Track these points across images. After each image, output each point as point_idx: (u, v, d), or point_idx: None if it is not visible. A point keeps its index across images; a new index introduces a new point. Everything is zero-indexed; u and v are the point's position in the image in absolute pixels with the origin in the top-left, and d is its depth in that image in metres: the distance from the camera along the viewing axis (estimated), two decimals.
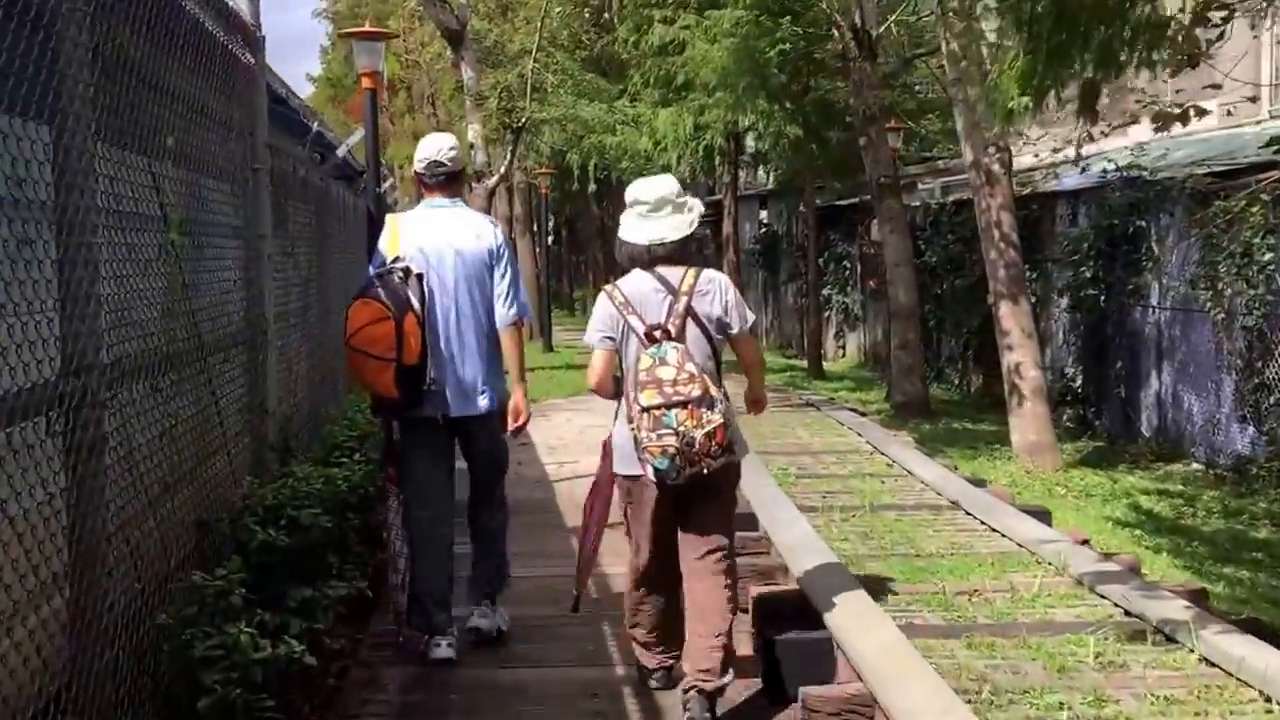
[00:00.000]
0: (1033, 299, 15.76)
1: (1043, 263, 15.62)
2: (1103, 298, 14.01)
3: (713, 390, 4.15)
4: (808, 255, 22.82)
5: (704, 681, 4.34)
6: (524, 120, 18.40)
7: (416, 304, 4.92)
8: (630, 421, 4.22)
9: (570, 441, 12.61)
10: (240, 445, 5.61)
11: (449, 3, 18.14)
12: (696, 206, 4.57)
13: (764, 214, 28.74)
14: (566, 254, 44.78)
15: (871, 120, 14.81)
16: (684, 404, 4.07)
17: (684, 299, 4.32)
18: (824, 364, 21.20)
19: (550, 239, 36.40)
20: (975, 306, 17.37)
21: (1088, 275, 14.01)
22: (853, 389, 18.30)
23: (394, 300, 4.88)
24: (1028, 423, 10.92)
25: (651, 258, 4.42)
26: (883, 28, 15.21)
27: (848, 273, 23.71)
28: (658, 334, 4.26)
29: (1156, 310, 13.34)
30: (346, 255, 11.47)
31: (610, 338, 4.45)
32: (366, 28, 9.01)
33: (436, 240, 5.14)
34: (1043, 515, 6.92)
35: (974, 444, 12.65)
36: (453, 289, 5.11)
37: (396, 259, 5.08)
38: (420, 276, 5.02)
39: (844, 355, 24.08)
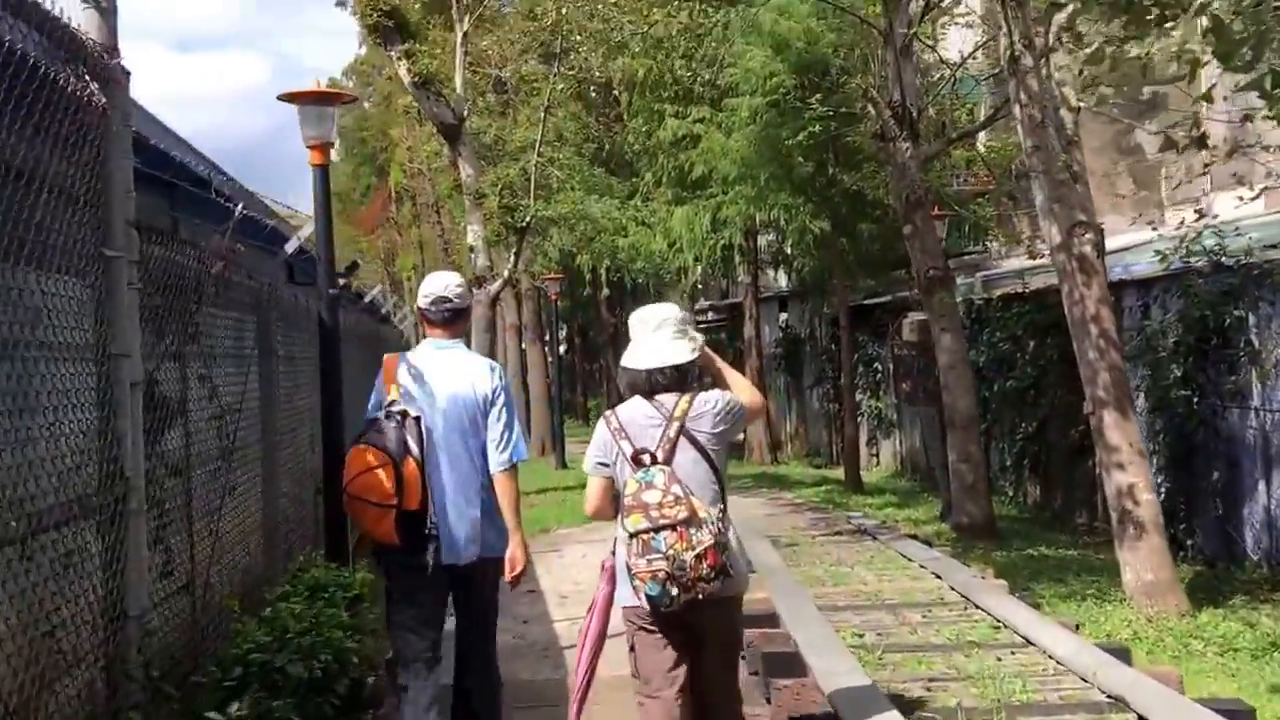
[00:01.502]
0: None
1: None
2: (1195, 400, 12.14)
3: (701, 512, 4.11)
4: (838, 357, 21.05)
5: None
6: (528, 219, 16.76)
7: (415, 448, 4.88)
8: (625, 546, 4.21)
9: (586, 585, 10.71)
10: (77, 676, 3.73)
11: (444, 95, 16.62)
12: (699, 337, 4.58)
13: (783, 316, 27.07)
14: (579, 362, 43.10)
15: (916, 206, 13.11)
16: (671, 527, 4.04)
17: (676, 424, 4.31)
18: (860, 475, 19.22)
19: (563, 348, 34.77)
20: (1028, 411, 15.54)
21: (1177, 374, 12.15)
22: (898, 505, 16.34)
23: (393, 445, 4.85)
24: (1144, 558, 8.97)
25: (651, 385, 4.41)
26: (929, 99, 13.58)
27: (879, 376, 21.91)
28: (644, 458, 4.24)
29: (1261, 413, 11.46)
30: (306, 375, 9.73)
31: (604, 464, 4.44)
32: (313, 89, 7.27)
33: (435, 382, 5.09)
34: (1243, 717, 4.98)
35: (1061, 576, 10.69)
36: (450, 433, 5.05)
37: (394, 401, 5.00)
38: (418, 419, 4.96)
39: (878, 464, 22.14)
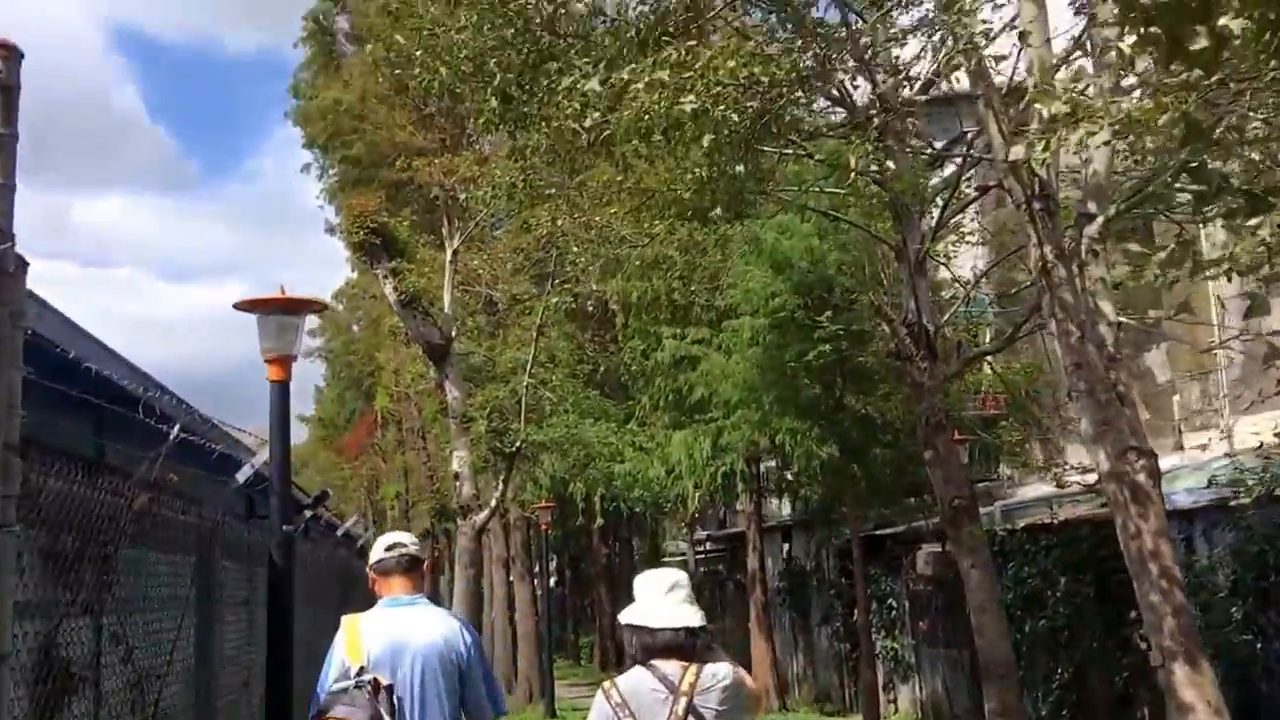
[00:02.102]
0: (1144, 653, 12.71)
1: None
2: (1258, 645, 10.94)
3: None
4: (849, 593, 19.76)
5: None
6: (518, 444, 15.75)
7: (387, 718, 4.65)
8: None
9: None
10: None
11: (431, 315, 15.89)
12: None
13: (787, 547, 25.81)
14: (570, 597, 41.41)
15: (938, 430, 12.12)
16: None
17: (684, 699, 4.08)
18: None
19: (553, 580, 33.28)
20: (1064, 654, 14.23)
21: (1236, 617, 10.98)
22: None
23: (365, 718, 4.58)
24: None
25: (662, 646, 4.20)
26: (945, 318, 12.78)
27: (893, 613, 20.52)
28: None
29: None
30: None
31: None
32: (275, 295, 6.36)
33: (402, 645, 4.87)
34: None
35: None
36: (422, 699, 4.82)
37: (362, 669, 4.74)
38: (390, 688, 4.74)
39: (896, 711, 20.51)
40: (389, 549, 5.14)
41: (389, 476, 39.00)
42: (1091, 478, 13.41)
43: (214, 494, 7.02)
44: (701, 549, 30.88)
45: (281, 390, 6.38)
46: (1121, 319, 8.90)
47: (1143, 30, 4.11)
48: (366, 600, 5.58)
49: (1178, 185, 9.48)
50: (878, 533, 19.64)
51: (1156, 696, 12.80)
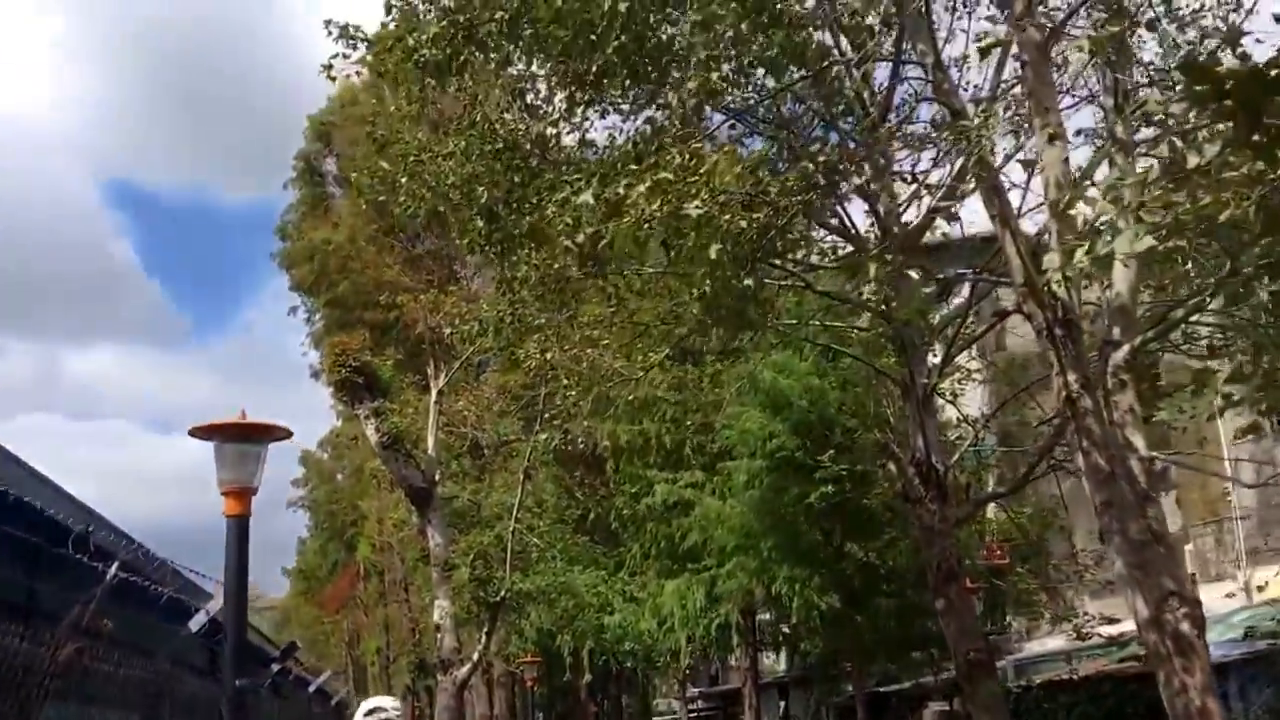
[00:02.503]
0: None
1: None
2: None
3: None
4: None
5: None
6: (503, 593, 14.91)
7: None
8: None
9: None
10: None
11: (414, 457, 15.22)
12: None
13: (783, 704, 24.69)
14: None
15: (949, 578, 11.38)
16: None
17: None
18: None
19: None
20: None
21: None
22: None
23: None
24: None
25: None
26: (955, 458, 12.14)
27: None
28: None
29: None
30: None
31: None
32: (234, 419, 5.74)
33: None
34: None
35: None
36: None
37: None
38: None
39: None
40: (369, 714, 5.23)
41: (370, 631, 37.72)
42: (1114, 629, 12.71)
43: (165, 644, 6.28)
44: (694, 707, 29.62)
45: (239, 526, 5.70)
46: (1155, 455, 8.32)
47: (1216, 105, 3.67)
48: None
49: (1210, 309, 9.04)
50: (881, 690, 18.70)
51: None
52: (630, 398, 16.85)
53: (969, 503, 12.79)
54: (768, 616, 21.23)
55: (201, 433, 5.80)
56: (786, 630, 20.48)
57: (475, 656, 15.12)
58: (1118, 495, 7.99)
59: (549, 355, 11.21)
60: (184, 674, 6.36)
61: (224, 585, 5.68)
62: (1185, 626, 7.62)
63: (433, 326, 15.79)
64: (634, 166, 6.98)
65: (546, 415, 14.80)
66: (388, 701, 5.47)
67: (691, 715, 28.94)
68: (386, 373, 15.46)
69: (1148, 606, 7.74)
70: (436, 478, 15.74)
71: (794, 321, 12.31)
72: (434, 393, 15.84)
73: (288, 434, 5.97)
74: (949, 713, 17.95)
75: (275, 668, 9.09)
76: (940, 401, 13.09)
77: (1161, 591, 7.71)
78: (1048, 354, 8.46)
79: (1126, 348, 8.26)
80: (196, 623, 6.12)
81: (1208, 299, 8.43)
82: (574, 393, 11.76)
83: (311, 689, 12.11)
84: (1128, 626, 12.84)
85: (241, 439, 5.77)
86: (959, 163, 9.79)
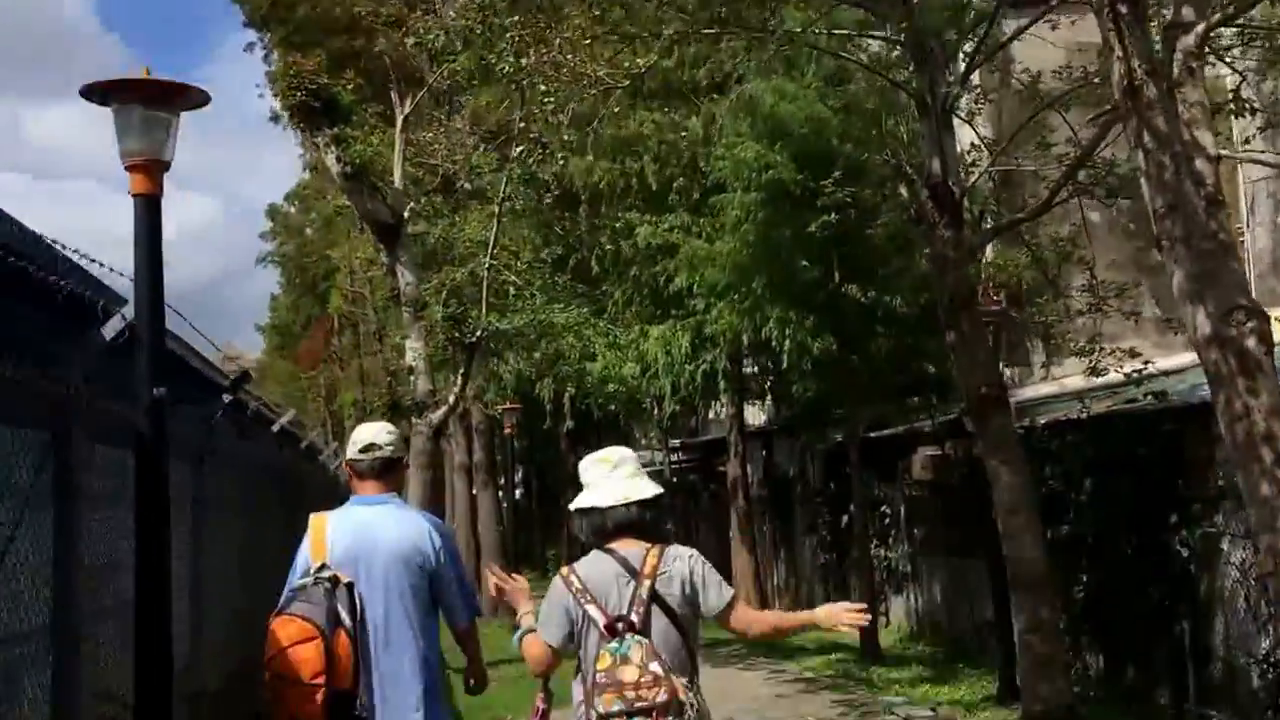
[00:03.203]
0: (1188, 562, 11.30)
1: (1199, 505, 11.10)
2: None
3: (681, 694, 3.69)
4: (835, 501, 18.30)
5: None
6: (479, 333, 14.00)
7: (347, 618, 4.40)
8: None
9: None
10: None
11: (380, 191, 14.04)
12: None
13: (765, 454, 24.36)
14: (537, 507, 39.95)
15: (963, 308, 10.52)
16: (648, 712, 3.63)
17: (646, 582, 3.89)
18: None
19: (518, 491, 31.80)
20: (1091, 564, 12.80)
21: None
22: (934, 680, 13.38)
23: (322, 616, 4.33)
24: None
25: (615, 526, 4.03)
26: (974, 179, 11.08)
27: (887, 521, 19.12)
28: (620, 626, 3.82)
29: None
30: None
31: (569, 634, 3.97)
32: (138, 76, 4.59)
33: (368, 544, 4.65)
34: None
35: None
36: (386, 600, 4.61)
37: (323, 566, 4.54)
38: (350, 586, 4.49)
39: (887, 624, 19.13)
40: (364, 450, 4.84)
41: (346, 384, 37.23)
42: (1130, 367, 11.93)
43: (72, 353, 5.28)
44: (675, 459, 29.42)
45: (149, 207, 4.64)
46: (1224, 152, 7.31)
47: None
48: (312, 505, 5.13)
49: None
50: (871, 435, 18.16)
51: (1198, 612, 11.43)
52: (614, 132, 15.64)
53: (986, 230, 11.82)
54: (754, 370, 20.65)
55: (99, 92, 4.66)
56: (775, 378, 19.88)
57: (451, 399, 14.34)
58: (1182, 198, 6.98)
59: (525, 61, 9.96)
60: (105, 395, 5.39)
61: (135, 278, 4.65)
62: (1252, 342, 6.74)
63: (397, 45, 14.36)
64: None
65: (522, 141, 13.62)
66: (383, 435, 4.92)
67: (673, 466, 28.76)
68: (346, 98, 14.09)
69: (1209, 322, 6.85)
70: (406, 215, 14.60)
71: (798, 30, 11.00)
72: (399, 120, 14.54)
73: (205, 99, 4.84)
74: (941, 457, 17.46)
75: (227, 398, 8.15)
76: (959, 120, 11.96)
77: (1227, 304, 6.81)
78: (1104, 39, 7.31)
79: (1200, 29, 7.12)
80: (112, 329, 5.12)
81: None
82: (551, 102, 10.55)
83: (275, 428, 11.25)
84: (1150, 361, 12.13)
85: (147, 102, 4.63)
86: None
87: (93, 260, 4.82)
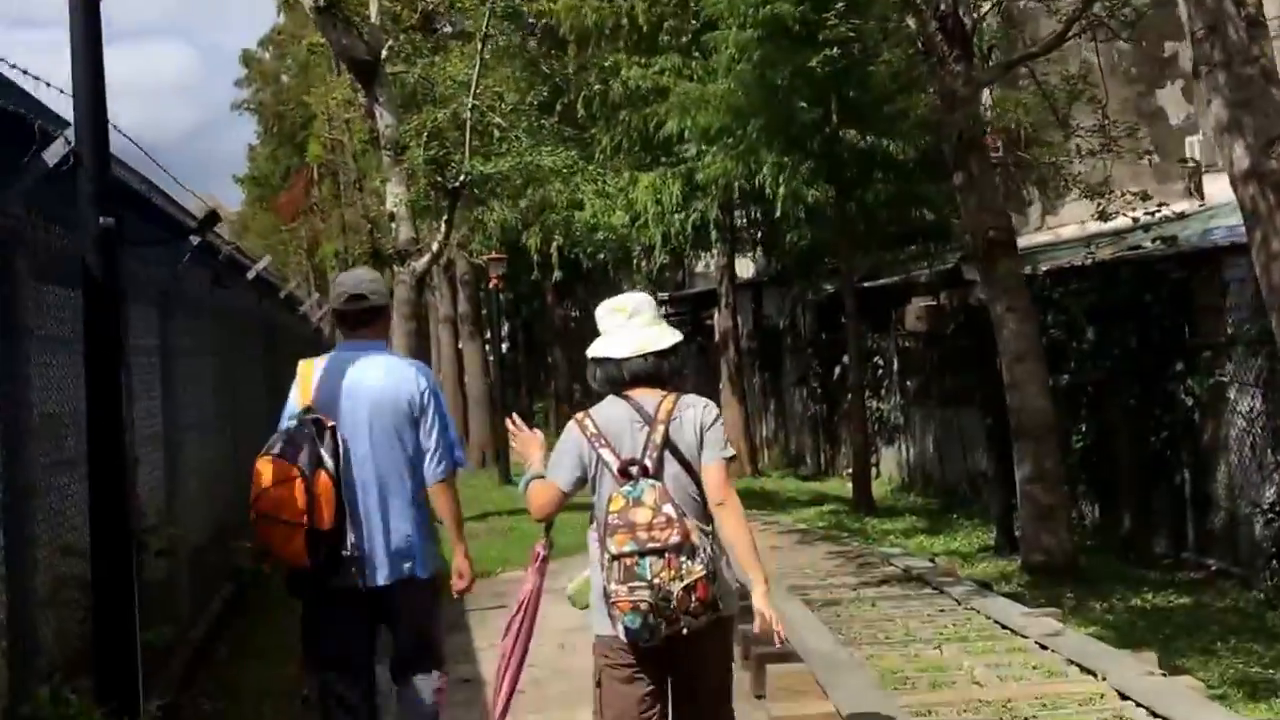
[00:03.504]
0: (1192, 411, 11.03)
1: (1209, 350, 10.79)
2: None
3: (694, 537, 3.66)
4: (834, 350, 18.00)
5: None
6: (462, 177, 13.42)
7: (329, 460, 4.41)
8: (602, 570, 3.73)
9: (548, 666, 7.58)
10: None
11: (355, 26, 13.31)
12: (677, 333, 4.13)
13: (754, 306, 23.97)
14: (523, 360, 39.70)
15: (971, 147, 10.04)
16: (660, 552, 3.60)
17: (660, 428, 3.86)
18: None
19: (504, 345, 31.45)
20: (1089, 413, 12.54)
21: None
22: (928, 531, 13.24)
23: (304, 457, 4.37)
24: None
25: (631, 376, 3.98)
26: (986, 10, 10.46)
27: (880, 372, 18.85)
28: (633, 470, 3.80)
29: None
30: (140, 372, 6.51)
31: (580, 477, 3.93)
32: None
33: (353, 388, 4.65)
34: None
35: (1205, 642, 7.65)
36: (371, 443, 4.62)
37: (308, 409, 4.57)
38: (334, 429, 4.51)
39: (878, 475, 19.02)
40: (348, 301, 4.78)
41: (327, 235, 36.53)
42: (1141, 212, 11.50)
43: (10, 179, 4.79)
44: (662, 312, 29.02)
45: (86, 6, 4.11)
46: None
47: None
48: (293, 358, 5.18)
49: None
50: (864, 286, 17.77)
51: (1199, 461, 11.21)
52: None
53: (996, 64, 11.22)
54: (746, 221, 20.15)
55: None
56: (766, 227, 19.42)
57: (435, 247, 13.83)
58: (1221, 20, 6.47)
59: None
60: (51, 228, 4.91)
61: (74, 93, 4.15)
62: None
63: None
64: None
65: None
66: (367, 284, 4.86)
67: (664, 318, 28.34)
68: None
69: (1248, 154, 6.40)
70: (383, 54, 13.87)
71: None
72: None
73: None
74: (935, 307, 17.13)
75: (195, 240, 7.67)
76: None
77: (1267, 135, 6.35)
78: None
79: None
80: (54, 154, 4.62)
81: None
82: None
83: (251, 275, 10.79)
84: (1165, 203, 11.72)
85: None
86: None
87: (37, 79, 4.30)
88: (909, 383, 18.37)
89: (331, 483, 4.42)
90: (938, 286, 17.11)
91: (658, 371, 3.99)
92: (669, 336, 4.04)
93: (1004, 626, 6.97)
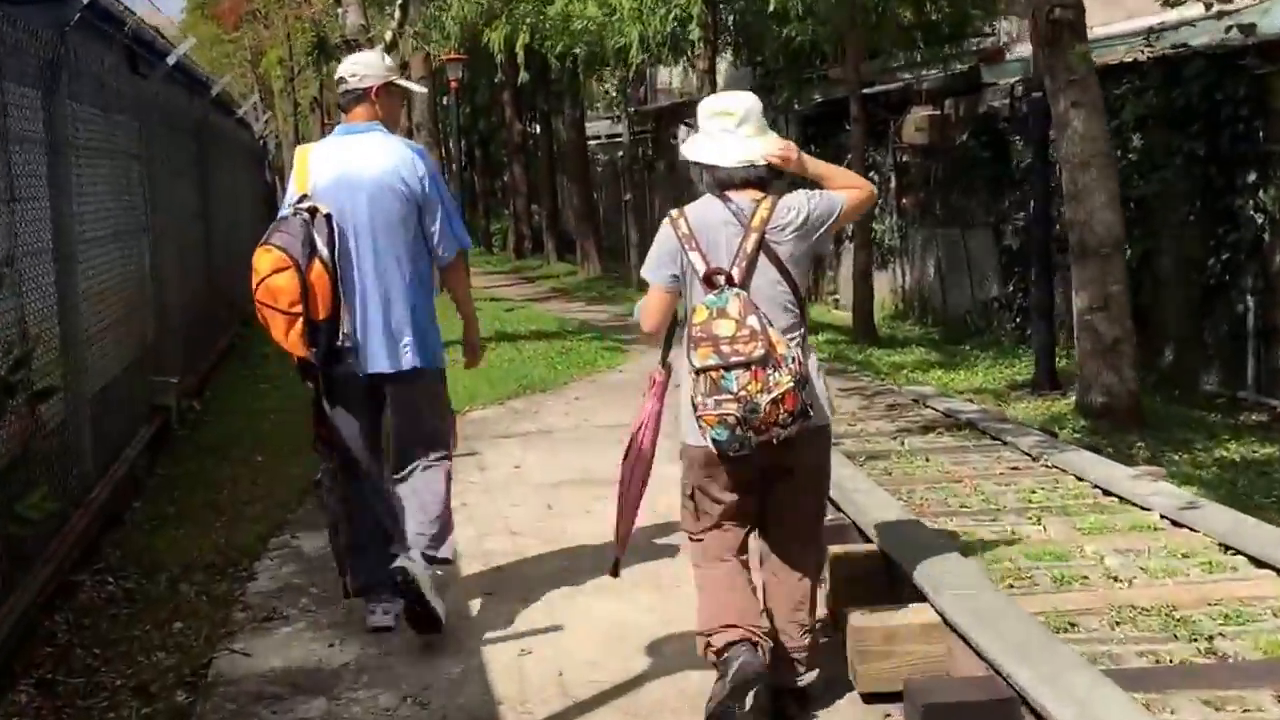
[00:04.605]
0: (1262, 230, 9.64)
1: None
2: None
3: (780, 348, 3.49)
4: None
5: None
6: None
7: (324, 249, 4.37)
8: (690, 381, 3.56)
9: (529, 536, 6.30)
10: None
11: None
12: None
13: None
14: (480, 179, 37.60)
15: None
16: (745, 365, 3.44)
17: (754, 235, 3.67)
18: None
19: (461, 162, 29.48)
20: (1136, 231, 11.09)
21: None
22: (944, 365, 11.89)
23: (297, 245, 4.31)
24: None
25: (737, 180, 3.72)
26: None
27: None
28: (719, 279, 3.63)
29: None
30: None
31: (675, 275, 3.79)
32: None
33: (350, 174, 4.57)
34: None
35: None
36: (370, 230, 4.56)
37: (303, 197, 4.51)
38: (329, 216, 4.44)
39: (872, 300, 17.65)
40: (337, 84, 4.81)
41: (272, 42, 34.01)
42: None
43: None
44: (621, 129, 27.11)
45: None
46: None
47: None
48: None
49: None
50: (862, 93, 16.07)
51: (1268, 287, 9.88)
52: None
53: None
54: (731, 20, 18.31)
55: None
56: (756, 25, 17.55)
57: (388, 37, 11.98)
58: None
59: None
60: None
61: None
62: None
63: None
64: None
65: None
66: (350, 66, 4.77)
67: (618, 140, 26.50)
68: None
69: None
70: None
71: None
72: None
73: None
74: (939, 116, 15.56)
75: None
76: None
77: None
78: None
79: None
80: None
81: None
82: None
83: (172, 61, 9.01)
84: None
85: None
86: None
87: None
88: (905, 201, 16.88)
89: (326, 272, 4.36)
90: (941, 95, 15.52)
91: (763, 179, 3.76)
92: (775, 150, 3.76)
93: (1106, 492, 5.61)
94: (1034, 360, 10.41)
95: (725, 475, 3.75)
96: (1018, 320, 13.36)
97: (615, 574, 4.21)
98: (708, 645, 3.77)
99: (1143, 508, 5.27)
